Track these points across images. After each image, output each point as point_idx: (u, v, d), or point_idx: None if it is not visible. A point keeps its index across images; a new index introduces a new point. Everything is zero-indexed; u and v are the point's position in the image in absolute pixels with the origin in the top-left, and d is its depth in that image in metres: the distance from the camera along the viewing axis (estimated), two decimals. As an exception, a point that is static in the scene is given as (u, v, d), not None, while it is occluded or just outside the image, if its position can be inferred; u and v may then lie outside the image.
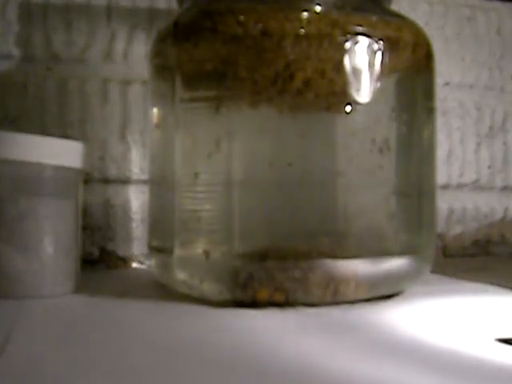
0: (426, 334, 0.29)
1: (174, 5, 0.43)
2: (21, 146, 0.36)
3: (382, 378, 0.22)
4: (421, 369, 0.23)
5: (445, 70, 0.59)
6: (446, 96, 0.60)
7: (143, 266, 0.51)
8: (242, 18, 0.34)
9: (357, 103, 0.35)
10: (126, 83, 0.51)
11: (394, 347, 0.27)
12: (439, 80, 0.44)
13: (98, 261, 0.50)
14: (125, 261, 0.51)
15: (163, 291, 0.38)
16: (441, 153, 0.59)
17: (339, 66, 0.34)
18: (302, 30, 0.34)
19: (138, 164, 0.51)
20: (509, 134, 0.63)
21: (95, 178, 0.50)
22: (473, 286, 0.41)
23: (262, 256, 0.34)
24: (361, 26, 0.35)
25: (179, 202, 0.36)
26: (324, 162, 0.35)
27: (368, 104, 0.35)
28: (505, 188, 0.62)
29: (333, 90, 0.34)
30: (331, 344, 0.27)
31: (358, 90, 0.35)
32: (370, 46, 0.35)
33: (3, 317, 0.32)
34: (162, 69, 0.39)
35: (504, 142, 0.62)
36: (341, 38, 0.34)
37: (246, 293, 0.34)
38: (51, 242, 0.37)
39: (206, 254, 0.34)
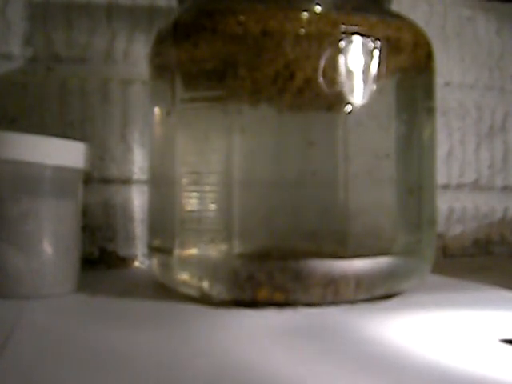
0: (420, 337, 0.29)
1: (174, 4, 0.43)
2: (21, 146, 0.36)
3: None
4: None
5: (445, 70, 0.59)
6: (445, 96, 0.60)
7: (143, 266, 0.51)
8: (241, 18, 0.34)
9: (356, 103, 0.35)
10: (127, 83, 0.51)
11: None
12: (439, 80, 0.44)
13: (98, 261, 0.50)
14: (125, 261, 0.50)
15: (163, 291, 0.38)
16: (441, 153, 0.59)
17: (339, 66, 0.34)
18: (302, 30, 0.34)
19: (138, 164, 0.51)
20: (509, 134, 0.63)
21: (95, 178, 0.50)
22: (473, 286, 0.41)
23: (261, 256, 0.34)
24: (361, 26, 0.35)
25: (179, 202, 0.36)
26: (324, 161, 0.35)
27: (368, 104, 0.35)
28: (505, 188, 0.62)
29: (333, 90, 0.34)
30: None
31: (358, 89, 0.35)
32: (369, 46, 0.35)
33: (3, 317, 0.32)
34: (162, 69, 0.39)
35: (504, 142, 0.62)
36: (340, 38, 0.34)
37: (245, 293, 0.34)
38: (51, 242, 0.37)
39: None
